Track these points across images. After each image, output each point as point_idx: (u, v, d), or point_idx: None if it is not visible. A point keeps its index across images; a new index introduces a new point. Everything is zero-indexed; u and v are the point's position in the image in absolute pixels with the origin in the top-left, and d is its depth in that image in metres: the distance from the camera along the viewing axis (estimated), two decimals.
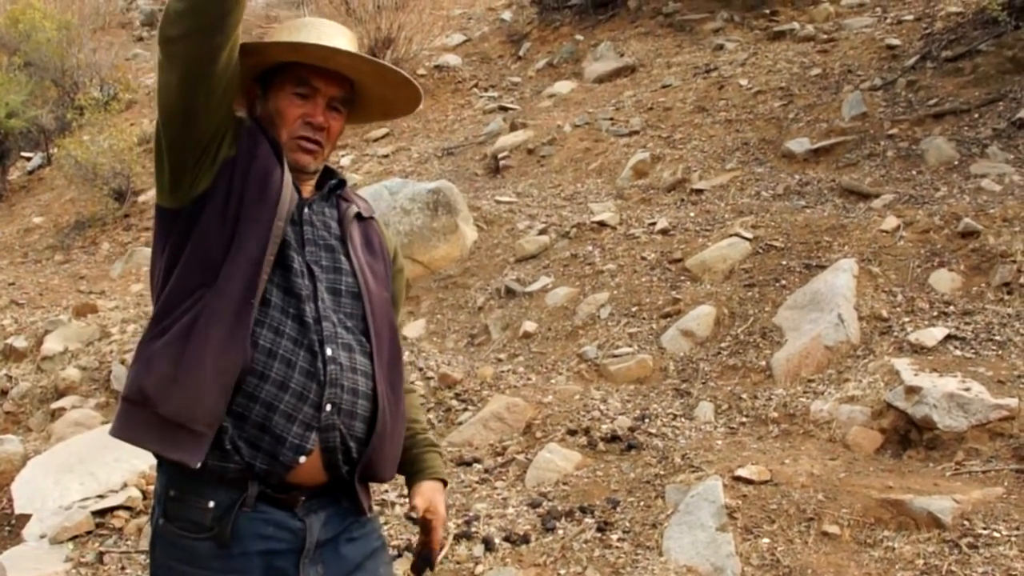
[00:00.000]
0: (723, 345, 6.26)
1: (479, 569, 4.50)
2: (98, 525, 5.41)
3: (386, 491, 5.19)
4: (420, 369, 6.52)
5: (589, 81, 12.22)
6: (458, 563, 4.55)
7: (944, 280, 6.15)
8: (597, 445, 5.45)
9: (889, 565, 3.98)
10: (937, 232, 6.53)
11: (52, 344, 8.01)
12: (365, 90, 2.56)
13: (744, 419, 5.53)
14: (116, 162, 12.37)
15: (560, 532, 4.68)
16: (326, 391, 2.31)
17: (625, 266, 7.34)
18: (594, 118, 10.48)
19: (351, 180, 2.66)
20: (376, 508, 2.61)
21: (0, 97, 14.12)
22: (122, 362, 7.41)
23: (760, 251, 6.95)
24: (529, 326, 7.03)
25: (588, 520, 4.73)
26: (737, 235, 7.12)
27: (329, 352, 2.33)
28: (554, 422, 5.69)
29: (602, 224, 8.07)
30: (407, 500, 2.60)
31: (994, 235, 6.30)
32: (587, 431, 5.56)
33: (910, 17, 10.49)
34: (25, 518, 5.60)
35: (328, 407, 2.32)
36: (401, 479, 2.72)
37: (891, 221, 6.76)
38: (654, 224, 7.84)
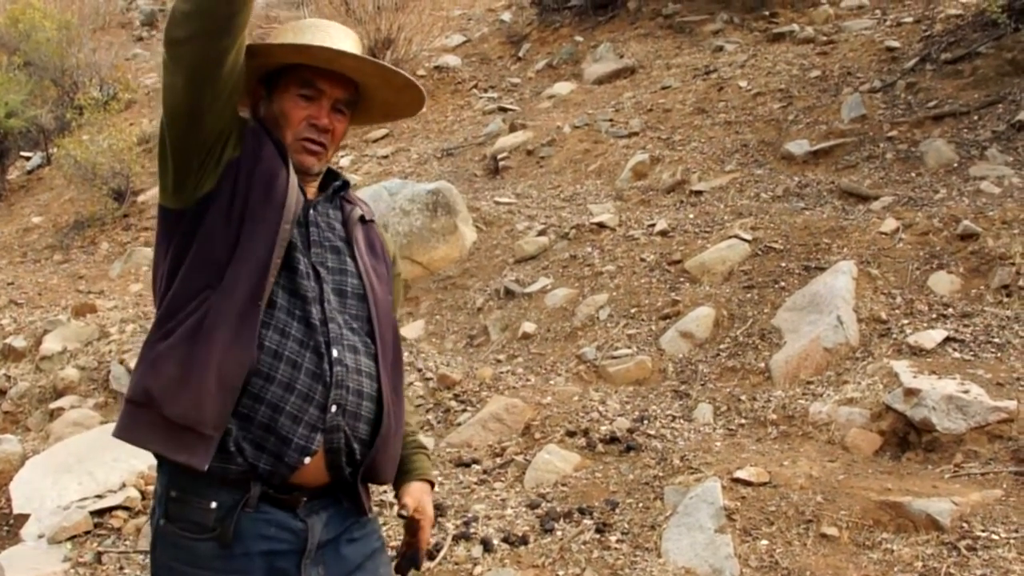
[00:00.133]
0: (722, 347, 6.26)
1: (477, 570, 4.50)
2: (96, 525, 5.41)
3: (384, 492, 5.19)
4: (419, 370, 6.52)
5: (589, 82, 12.23)
6: (456, 564, 4.55)
7: (943, 282, 6.15)
8: (596, 446, 5.45)
9: (888, 567, 3.98)
10: (936, 234, 6.54)
11: (51, 344, 8.00)
12: (369, 92, 2.56)
13: (743, 421, 5.53)
14: (115, 162, 12.37)
15: (559, 533, 4.68)
16: (332, 392, 2.32)
17: (624, 267, 7.35)
18: (593, 119, 10.48)
19: (351, 181, 2.66)
20: (375, 509, 2.60)
21: (0, 96, 14.12)
22: (121, 362, 7.41)
23: (759, 253, 6.95)
24: (528, 327, 7.03)
25: (587, 521, 4.73)
26: (736, 237, 7.12)
27: (335, 354, 2.34)
28: (553, 423, 5.69)
29: (601, 225, 8.07)
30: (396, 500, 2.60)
31: (993, 237, 6.30)
32: (586, 432, 5.56)
33: (909, 19, 10.50)
34: (23, 518, 5.59)
35: (333, 408, 2.32)
36: None
37: (890, 223, 6.76)
38: (653, 225, 7.85)
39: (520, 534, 4.70)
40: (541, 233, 8.25)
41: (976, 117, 8.19)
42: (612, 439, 5.47)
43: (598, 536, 4.58)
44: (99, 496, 5.61)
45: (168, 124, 2.28)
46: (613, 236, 7.89)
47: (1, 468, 6.29)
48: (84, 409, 7.10)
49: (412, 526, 2.62)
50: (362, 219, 2.57)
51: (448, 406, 6.18)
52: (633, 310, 6.84)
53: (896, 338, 5.76)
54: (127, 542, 5.27)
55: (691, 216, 7.94)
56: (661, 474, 4.99)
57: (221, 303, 2.24)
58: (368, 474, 2.45)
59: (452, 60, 14.23)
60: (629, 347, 6.50)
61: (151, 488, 5.61)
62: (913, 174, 7.80)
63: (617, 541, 4.53)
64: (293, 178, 2.37)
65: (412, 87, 2.58)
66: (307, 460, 2.30)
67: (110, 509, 5.51)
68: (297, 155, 2.43)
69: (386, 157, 11.80)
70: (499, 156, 10.37)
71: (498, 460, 5.53)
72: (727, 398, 5.77)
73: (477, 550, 4.63)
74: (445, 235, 8.43)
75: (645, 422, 5.60)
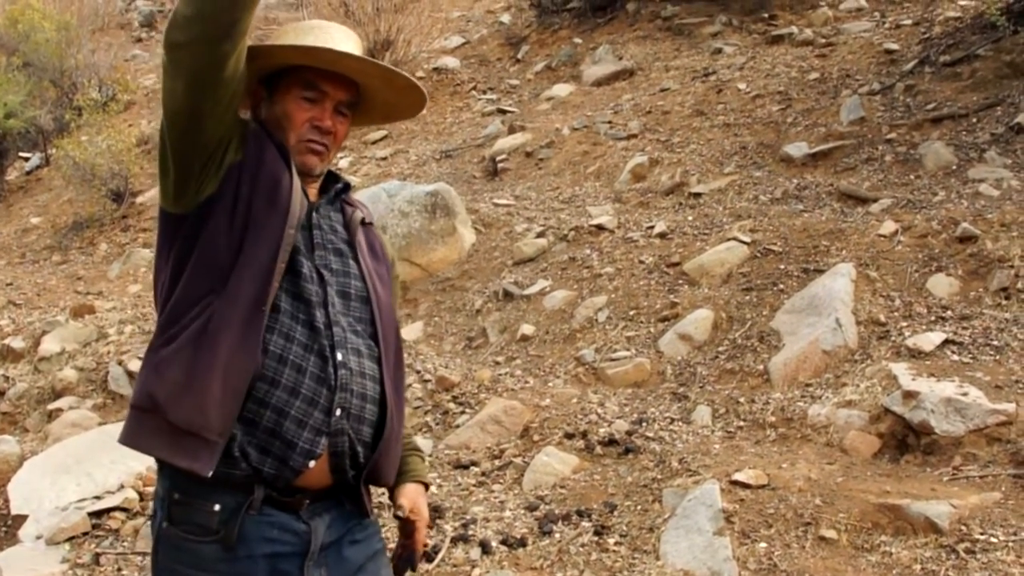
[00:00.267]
0: (721, 349, 6.26)
1: (476, 572, 4.51)
2: (94, 526, 5.41)
3: (382, 493, 5.19)
4: (418, 372, 6.52)
5: (587, 84, 12.23)
6: (455, 566, 4.55)
7: (942, 285, 6.15)
8: (594, 449, 5.45)
9: (886, 570, 3.98)
10: (935, 237, 6.54)
11: (49, 345, 8.00)
12: (370, 93, 2.57)
13: (741, 423, 5.53)
14: (114, 163, 12.36)
15: (557, 535, 4.68)
16: (336, 396, 2.32)
17: (623, 270, 7.35)
18: (592, 121, 10.48)
19: (351, 183, 2.66)
20: (375, 511, 2.60)
21: None
22: (119, 363, 7.41)
23: (758, 255, 6.96)
24: (527, 329, 7.03)
25: (585, 524, 4.73)
26: (735, 239, 7.12)
27: (339, 357, 2.34)
28: (551, 425, 5.69)
29: (600, 227, 8.07)
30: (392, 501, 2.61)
31: (992, 240, 6.30)
32: (584, 434, 5.56)
33: (908, 22, 10.51)
34: (21, 519, 5.59)
35: (338, 412, 2.33)
36: None
37: (889, 226, 6.76)
38: (652, 228, 7.85)
39: (518, 536, 4.71)
40: (540, 235, 8.25)
41: (975, 120, 8.20)
42: (611, 441, 5.47)
43: (596, 538, 4.58)
44: (97, 497, 5.61)
45: (169, 129, 2.27)
46: (612, 238, 7.89)
47: None
48: (82, 410, 7.09)
49: (408, 527, 2.62)
50: (363, 222, 2.58)
51: (446, 408, 6.18)
52: (632, 312, 6.84)
53: (895, 340, 5.76)
54: (125, 543, 5.27)
55: (690, 218, 7.94)
56: (659, 476, 4.99)
57: (225, 308, 2.24)
58: (371, 476, 2.46)
59: (451, 62, 14.23)
60: (628, 349, 6.50)
61: (149, 489, 5.61)
62: (912, 176, 7.80)
63: (615, 543, 4.53)
64: (296, 182, 2.37)
65: (414, 88, 2.59)
66: (312, 464, 2.30)
67: (108, 510, 5.51)
68: (300, 156, 2.43)
69: (385, 159, 11.80)
70: (498, 158, 10.37)
71: (496, 462, 5.53)
72: (726, 400, 5.77)
73: (475, 552, 4.63)
74: (444, 237, 8.42)
75: (644, 424, 5.60)
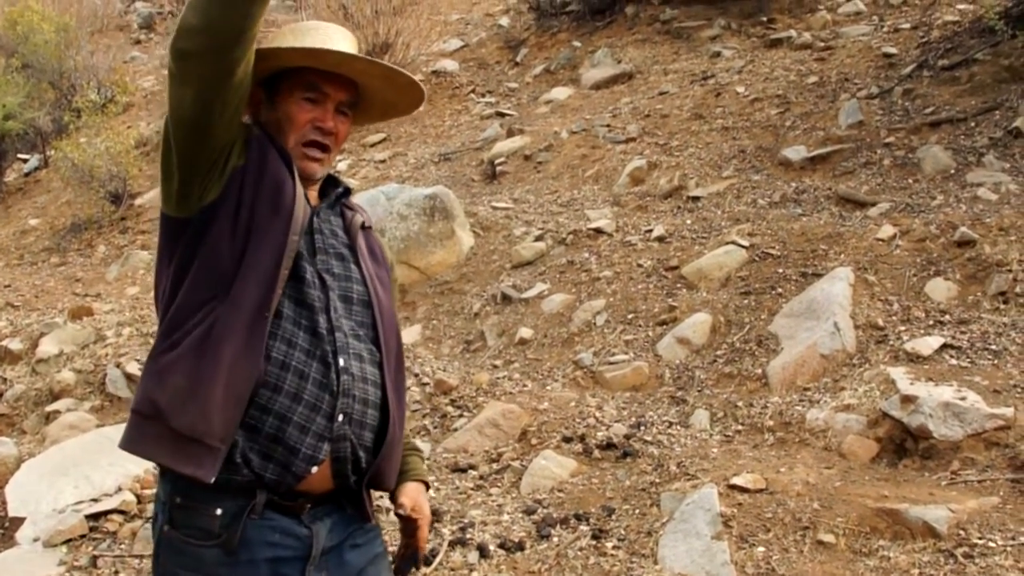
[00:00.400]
0: (719, 353, 6.26)
1: None
2: (92, 529, 5.40)
3: (381, 497, 5.18)
4: (416, 375, 6.52)
5: (586, 87, 12.23)
6: (453, 570, 4.55)
7: (940, 289, 6.15)
8: (592, 452, 5.45)
9: (884, 574, 3.98)
10: (933, 241, 6.54)
11: (47, 347, 7.99)
12: (369, 93, 2.57)
13: (740, 427, 5.53)
14: (113, 165, 12.36)
15: (555, 539, 4.68)
16: (339, 401, 2.32)
17: (621, 273, 7.35)
18: (591, 125, 10.48)
19: (350, 187, 2.65)
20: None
21: None
22: (117, 365, 7.40)
23: (756, 259, 6.96)
24: (525, 332, 7.03)
25: (583, 528, 4.73)
26: (733, 243, 7.12)
27: (342, 363, 2.34)
28: (549, 429, 5.69)
29: (598, 231, 8.07)
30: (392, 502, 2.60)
31: (990, 244, 6.30)
32: (582, 438, 5.56)
33: (907, 26, 10.51)
34: (19, 521, 5.58)
35: (340, 417, 2.33)
36: None
37: (887, 230, 6.76)
38: (650, 231, 7.85)
39: (516, 540, 4.70)
40: (538, 238, 8.24)
41: (973, 124, 8.20)
42: (609, 445, 5.47)
43: (594, 542, 4.58)
44: (95, 500, 5.60)
45: (175, 136, 2.27)
46: (610, 242, 7.89)
47: None
48: (80, 412, 7.08)
49: (409, 527, 2.62)
50: (363, 226, 2.58)
51: (445, 411, 6.18)
52: (630, 316, 6.84)
53: (893, 345, 5.76)
54: (122, 546, 5.26)
55: (688, 222, 7.94)
56: (658, 480, 4.99)
57: (228, 315, 2.24)
58: (372, 481, 2.47)
59: (450, 65, 14.23)
60: (626, 353, 6.50)
61: (147, 492, 5.61)
62: (910, 180, 7.81)
63: (613, 547, 4.53)
64: (299, 188, 2.37)
65: (414, 86, 2.60)
66: (314, 469, 2.31)
67: (106, 513, 5.50)
68: (302, 158, 2.43)
69: (383, 161, 11.80)
70: (496, 161, 10.37)
71: (494, 466, 5.53)
72: (724, 404, 5.77)
73: (473, 556, 4.63)
74: (442, 240, 8.42)
75: (642, 428, 5.60)
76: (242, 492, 2.27)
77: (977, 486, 4.57)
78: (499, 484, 5.34)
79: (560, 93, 12.25)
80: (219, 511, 2.26)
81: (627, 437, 5.52)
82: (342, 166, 11.93)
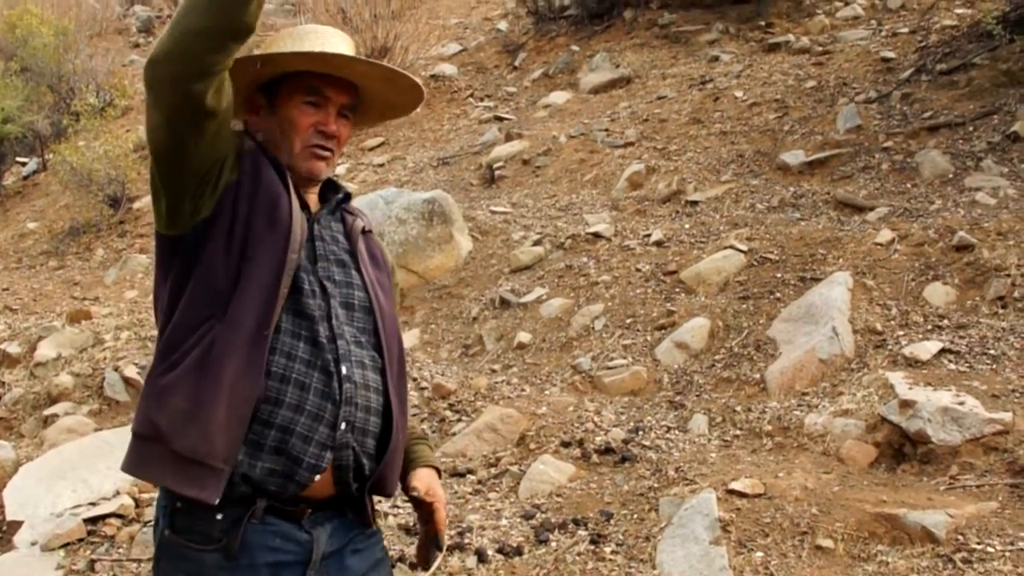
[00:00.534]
0: (717, 357, 6.26)
1: None
2: (90, 533, 5.39)
3: (379, 501, 5.18)
4: (414, 379, 6.51)
5: (584, 92, 12.23)
6: (451, 574, 4.54)
7: (938, 293, 6.15)
8: (591, 457, 5.45)
9: None
10: (931, 245, 6.54)
11: (45, 350, 7.98)
12: (370, 95, 2.56)
13: (738, 432, 5.53)
14: (111, 168, 12.35)
15: (553, 544, 4.67)
16: (341, 410, 2.32)
17: (620, 278, 7.35)
18: (589, 129, 10.49)
19: (350, 191, 2.64)
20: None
21: None
22: (115, 369, 7.40)
23: (755, 263, 6.96)
24: (523, 337, 7.03)
25: (581, 532, 4.72)
26: (732, 247, 7.12)
27: (344, 371, 2.33)
28: (548, 433, 5.69)
29: (597, 235, 8.07)
30: (403, 500, 2.60)
31: (988, 249, 6.31)
32: (581, 443, 5.55)
33: (905, 30, 10.52)
34: (17, 525, 5.58)
35: (343, 426, 2.32)
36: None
37: (886, 234, 6.77)
38: (649, 236, 7.85)
39: (515, 545, 4.70)
40: (537, 243, 8.24)
41: (971, 128, 8.21)
42: (607, 450, 5.47)
43: (593, 547, 4.58)
44: (93, 503, 5.60)
45: (155, 161, 2.26)
46: (609, 246, 7.89)
47: None
48: (78, 416, 7.08)
49: (426, 511, 2.60)
50: (363, 230, 2.57)
51: (443, 416, 6.18)
52: (628, 320, 6.84)
53: (891, 349, 5.76)
54: (120, 550, 5.26)
55: (687, 226, 7.95)
56: (656, 485, 4.99)
57: (227, 334, 2.22)
58: (374, 487, 2.46)
59: (448, 69, 14.24)
60: (624, 357, 6.49)
61: (145, 496, 5.60)
62: (908, 185, 7.82)
63: (612, 552, 4.52)
64: (295, 201, 2.35)
65: (415, 88, 2.59)
66: (317, 477, 2.30)
67: (104, 517, 5.49)
68: (306, 162, 2.42)
69: (382, 166, 11.80)
70: (495, 165, 10.37)
71: (493, 470, 5.53)
72: (722, 409, 5.77)
73: (471, 561, 4.62)
74: (441, 244, 8.42)
75: (640, 433, 5.60)
76: (243, 500, 2.26)
77: (976, 491, 4.57)
78: (497, 489, 5.34)
79: (558, 97, 12.25)
80: (220, 516, 2.26)
81: (625, 442, 5.52)
82: (340, 170, 11.93)
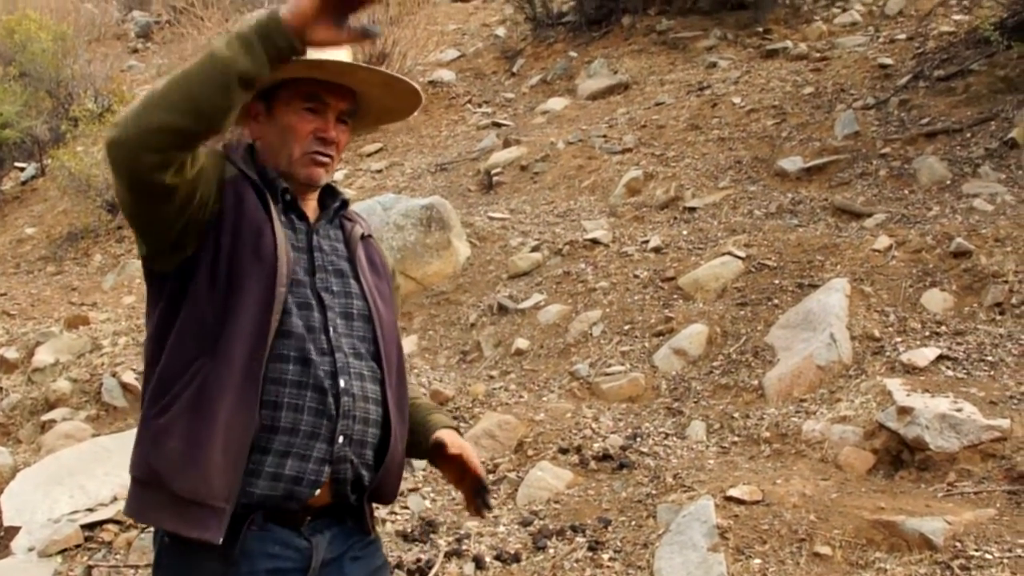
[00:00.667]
0: (715, 364, 6.26)
1: None
2: (87, 539, 5.39)
3: (377, 507, 5.17)
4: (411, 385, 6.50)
5: (582, 98, 12.24)
6: None
7: (936, 300, 6.16)
8: (589, 464, 5.45)
9: None
10: (929, 252, 6.55)
11: (43, 356, 7.98)
12: (368, 100, 2.55)
13: (736, 438, 5.53)
14: (109, 174, 12.32)
15: (551, 551, 4.67)
16: (339, 424, 2.31)
17: (618, 284, 7.35)
18: (587, 135, 10.49)
19: (348, 197, 2.62)
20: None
21: None
22: (113, 375, 7.39)
23: (753, 270, 6.96)
24: (521, 343, 7.03)
25: (579, 539, 4.72)
26: (730, 254, 7.12)
27: (342, 384, 2.33)
28: (546, 440, 5.69)
29: (595, 242, 8.07)
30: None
31: (986, 255, 6.31)
32: (579, 449, 5.55)
33: (902, 36, 10.54)
34: (14, 530, 5.57)
35: (340, 439, 2.32)
36: None
37: (883, 240, 6.77)
38: (647, 242, 7.85)
39: (512, 551, 4.70)
40: (535, 249, 8.24)
41: (969, 134, 8.22)
42: (605, 456, 5.47)
43: (591, 554, 4.58)
44: (90, 509, 5.59)
45: (128, 222, 2.26)
46: (607, 252, 7.89)
47: None
48: (76, 422, 7.07)
49: (456, 468, 2.59)
50: (362, 236, 2.57)
51: None
52: (626, 327, 6.84)
53: (889, 356, 5.76)
54: (118, 556, 5.25)
55: (684, 233, 7.95)
56: (654, 492, 4.99)
57: (218, 372, 2.21)
58: (373, 495, 2.47)
59: (446, 75, 14.24)
60: (622, 364, 6.49)
61: None
62: (906, 191, 7.83)
63: (610, 559, 4.53)
64: (279, 231, 2.32)
65: (414, 93, 2.58)
66: (316, 492, 2.31)
67: (101, 523, 5.49)
68: (305, 168, 2.41)
69: (380, 171, 11.80)
70: (493, 171, 10.37)
71: (491, 477, 5.52)
72: (720, 416, 5.77)
73: (469, 567, 4.63)
74: (439, 250, 8.42)
75: (638, 439, 5.60)
76: (242, 514, 2.26)
77: (974, 498, 4.57)
78: (495, 495, 5.33)
79: (556, 103, 12.25)
80: None
81: (623, 448, 5.52)
82: (338, 176, 11.93)
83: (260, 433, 2.24)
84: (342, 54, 2.46)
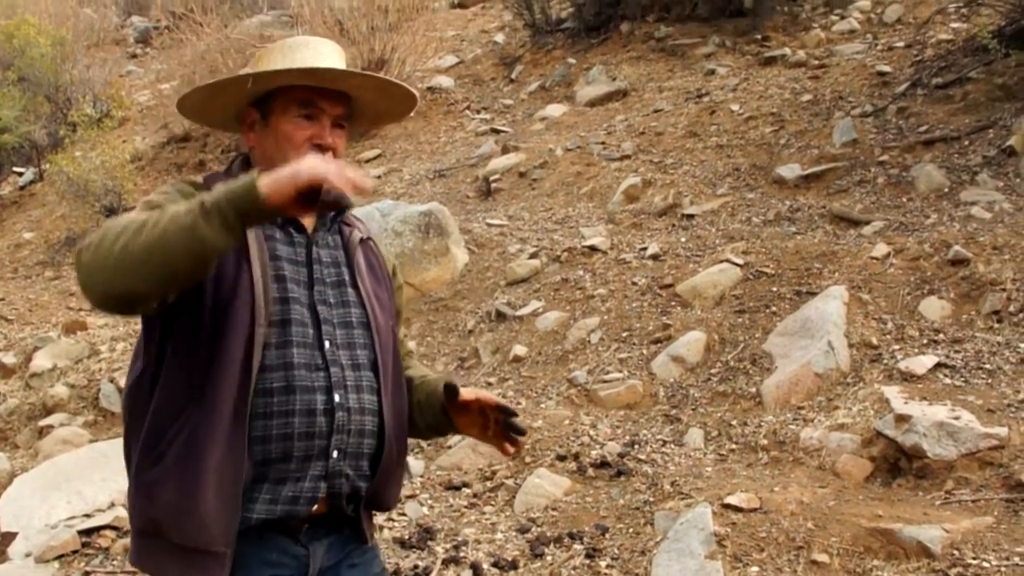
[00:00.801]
0: (713, 371, 6.26)
1: None
2: (84, 544, 5.39)
3: (374, 514, 5.17)
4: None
5: (581, 105, 12.24)
6: None
7: (934, 308, 6.16)
8: (586, 471, 5.45)
9: None
10: (927, 260, 6.55)
11: (41, 361, 7.98)
12: (363, 104, 2.56)
13: (734, 446, 5.53)
14: (108, 179, 12.34)
15: (549, 558, 4.67)
16: (332, 440, 2.31)
17: (616, 291, 7.35)
18: (586, 142, 10.50)
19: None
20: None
21: None
22: (111, 380, 7.40)
23: (751, 277, 6.97)
24: (519, 350, 7.03)
25: (577, 546, 4.72)
26: (728, 261, 7.13)
27: (337, 399, 2.32)
28: (543, 447, 5.69)
29: (593, 248, 8.08)
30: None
31: (984, 263, 6.32)
32: (576, 456, 5.55)
33: (901, 44, 10.55)
34: (11, 536, 5.57)
35: (335, 454, 2.32)
36: None
37: (881, 248, 6.78)
38: (645, 249, 7.85)
39: (510, 558, 4.70)
40: (533, 256, 8.24)
41: (967, 142, 8.23)
42: (603, 463, 5.47)
43: (588, 561, 4.57)
44: (87, 515, 5.60)
45: None
46: (605, 259, 7.90)
47: None
48: (73, 427, 7.08)
49: (479, 414, 2.52)
50: (361, 240, 2.57)
51: None
52: (624, 334, 6.84)
53: (887, 364, 5.77)
54: (115, 562, 5.25)
55: (683, 240, 7.95)
56: (651, 499, 4.99)
57: (207, 420, 2.20)
58: (372, 504, 2.48)
59: (445, 81, 14.24)
60: (620, 371, 6.50)
61: None
62: (904, 199, 7.83)
63: (607, 566, 4.52)
64: (256, 269, 2.29)
65: (409, 96, 2.59)
66: (314, 508, 2.32)
67: (98, 528, 5.49)
68: None
69: (378, 178, 11.80)
70: (491, 178, 10.38)
71: (488, 484, 5.52)
72: (718, 423, 5.77)
73: (467, 574, 4.62)
74: (437, 257, 8.42)
75: (636, 447, 5.60)
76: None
77: (971, 506, 4.57)
78: (493, 502, 5.34)
79: (555, 110, 12.26)
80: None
81: (621, 455, 5.52)
82: None
83: (253, 469, 2.24)
84: (335, 59, 2.46)
